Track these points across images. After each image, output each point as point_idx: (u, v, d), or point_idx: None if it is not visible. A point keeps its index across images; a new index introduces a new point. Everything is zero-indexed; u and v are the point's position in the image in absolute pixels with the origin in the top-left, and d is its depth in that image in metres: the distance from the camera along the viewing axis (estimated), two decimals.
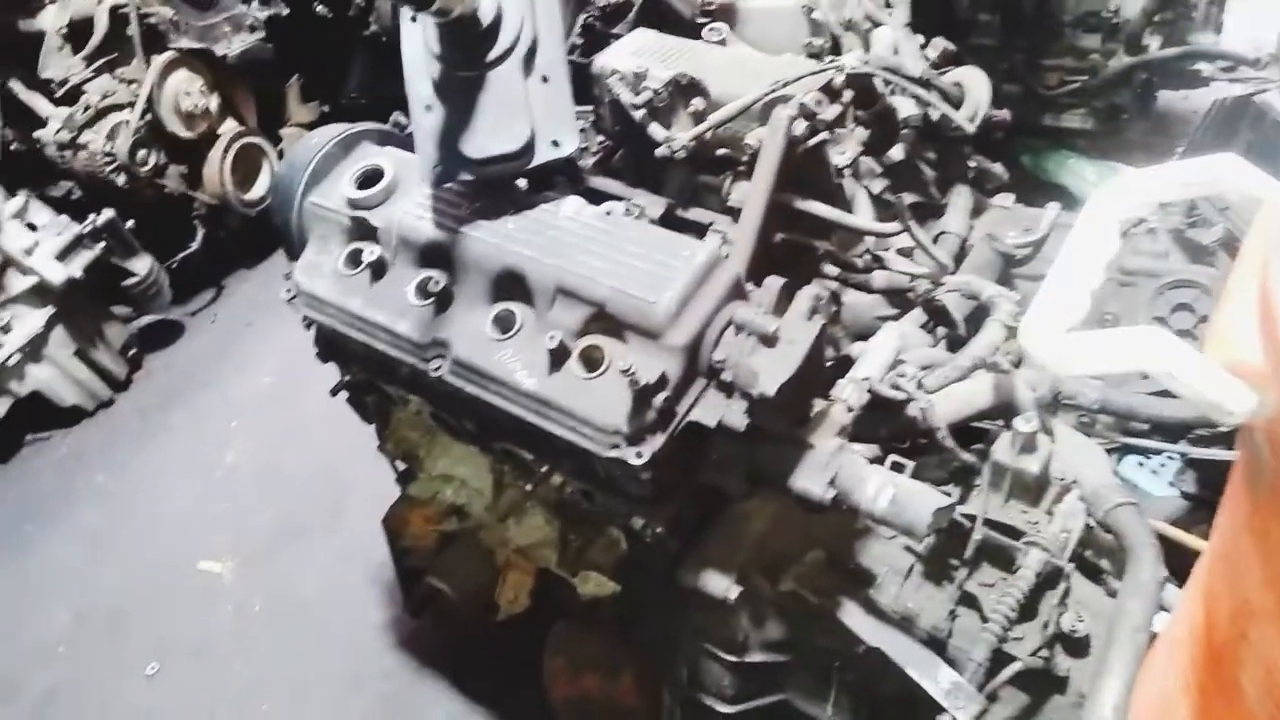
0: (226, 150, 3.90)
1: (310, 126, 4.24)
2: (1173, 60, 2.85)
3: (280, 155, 4.12)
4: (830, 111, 1.70)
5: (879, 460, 1.73)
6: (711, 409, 1.49)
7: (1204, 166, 0.91)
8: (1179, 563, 1.82)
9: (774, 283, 1.53)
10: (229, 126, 3.97)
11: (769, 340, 1.45)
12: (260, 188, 4.07)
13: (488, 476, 2.01)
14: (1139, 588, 1.68)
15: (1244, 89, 2.69)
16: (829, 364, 1.66)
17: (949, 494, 1.80)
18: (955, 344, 2.08)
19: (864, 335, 2.04)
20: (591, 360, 1.51)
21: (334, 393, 2.02)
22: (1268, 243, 0.74)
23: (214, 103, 3.87)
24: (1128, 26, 2.76)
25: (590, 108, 1.94)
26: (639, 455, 1.44)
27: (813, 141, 1.68)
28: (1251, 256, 0.80)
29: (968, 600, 1.69)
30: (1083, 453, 1.93)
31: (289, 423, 3.36)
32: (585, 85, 1.88)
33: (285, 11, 3.96)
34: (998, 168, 2.45)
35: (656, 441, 1.45)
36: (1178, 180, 0.92)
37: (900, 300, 2.16)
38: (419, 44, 1.66)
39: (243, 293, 4.15)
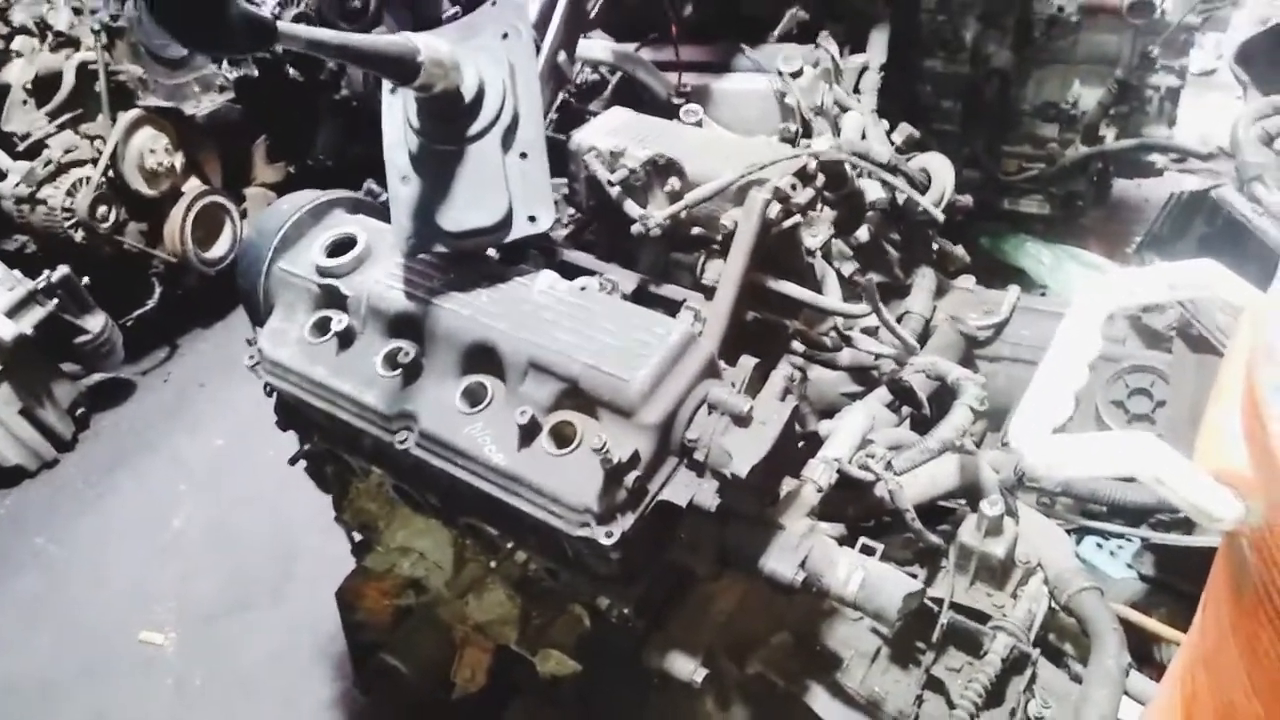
0: (189, 209, 3.86)
1: (275, 187, 4.23)
2: (1127, 151, 2.94)
3: (244, 215, 4.09)
4: (803, 195, 1.72)
5: (846, 540, 1.72)
6: (683, 488, 1.47)
7: (1187, 270, 0.93)
8: (1138, 645, 1.83)
9: (748, 362, 1.53)
10: (192, 185, 3.95)
11: (742, 420, 1.45)
12: (221, 247, 4.03)
13: (449, 550, 1.97)
14: (1105, 675, 1.68)
15: (1196, 180, 2.79)
16: (799, 443, 1.65)
17: (915, 575, 1.81)
18: (919, 423, 2.10)
19: (830, 411, 2.05)
20: (563, 437, 1.49)
21: (293, 461, 1.97)
22: (1252, 352, 0.75)
23: (178, 161, 3.84)
24: (1085, 118, 2.86)
25: (564, 180, 1.95)
26: (609, 535, 1.42)
27: (786, 224, 1.70)
28: (1237, 365, 0.81)
29: (934, 685, 1.68)
30: (1046, 535, 1.95)
31: (240, 488, 3.29)
32: (559, 158, 1.89)
33: (256, 73, 3.97)
34: (959, 250, 2.50)
35: (627, 521, 1.43)
36: (1162, 283, 0.94)
37: (865, 377, 2.18)
38: (398, 116, 1.66)
39: (197, 352, 4.08)
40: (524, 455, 1.49)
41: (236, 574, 3.00)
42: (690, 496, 1.46)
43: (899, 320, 2.28)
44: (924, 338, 2.34)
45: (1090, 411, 2.26)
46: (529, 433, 1.48)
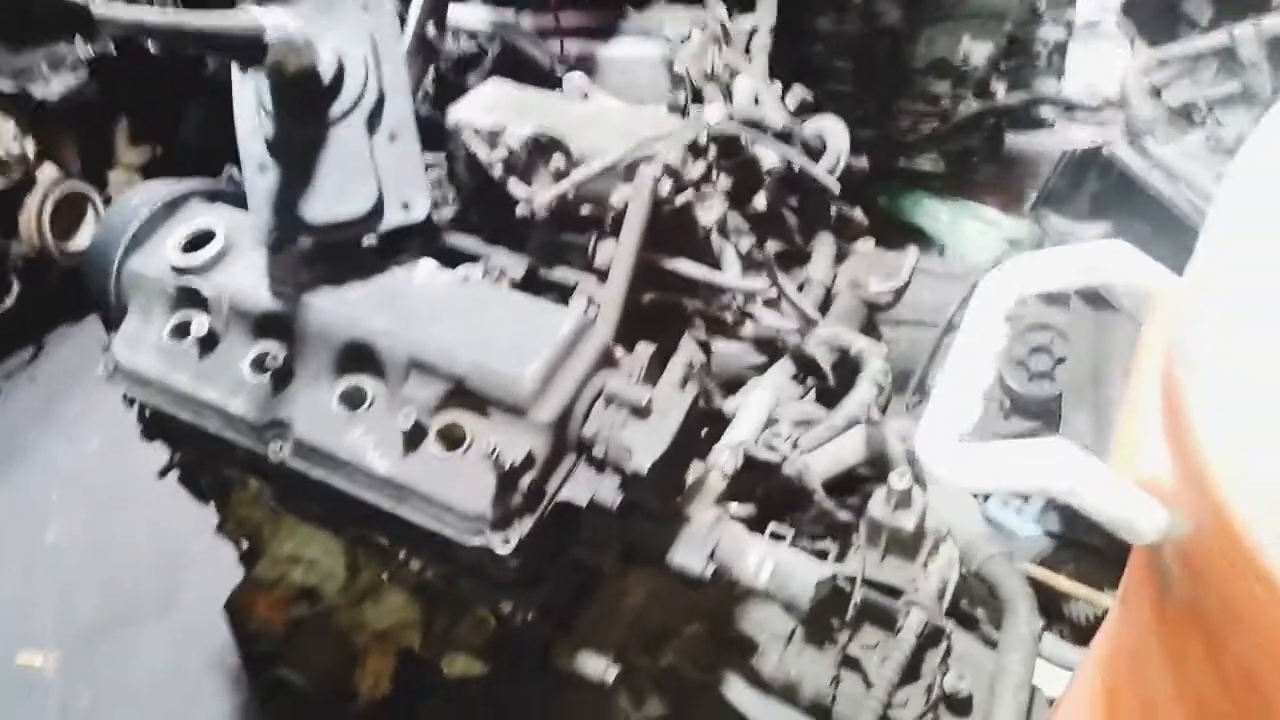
0: (45, 198, 3.58)
1: (142, 170, 3.95)
2: (1018, 105, 2.94)
3: (108, 201, 3.82)
4: (695, 169, 1.64)
5: (756, 519, 1.68)
6: (583, 487, 1.39)
7: (1097, 254, 0.87)
8: (1048, 603, 1.83)
9: (644, 350, 1.45)
10: (48, 173, 3.66)
11: (641, 412, 1.37)
12: (85, 237, 3.75)
13: (341, 557, 1.86)
14: (1018, 642, 1.67)
15: (1087, 132, 2.80)
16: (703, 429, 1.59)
17: (827, 553, 1.78)
18: (824, 393, 2.06)
19: (734, 384, 1.99)
20: (451, 439, 1.39)
21: (163, 474, 1.83)
22: (1170, 349, 0.70)
23: (30, 147, 3.55)
24: (976, 73, 2.84)
25: (442, 154, 1.83)
26: (505, 542, 1.33)
27: (679, 201, 1.62)
28: (1152, 361, 0.76)
29: (851, 663, 1.65)
30: (954, 502, 1.93)
31: (119, 494, 3.07)
32: (435, 138, 1.77)
33: (113, 49, 3.68)
34: (858, 213, 2.46)
35: (524, 525, 1.35)
36: (1071, 268, 0.88)
37: (768, 348, 2.13)
38: (250, 99, 1.52)
39: (66, 350, 3.80)
40: (410, 461, 1.39)
41: (119, 586, 2.81)
42: (591, 495, 1.38)
43: (800, 289, 2.23)
44: (825, 305, 2.29)
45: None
46: (414, 437, 1.38)
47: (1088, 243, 0.88)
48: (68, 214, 3.71)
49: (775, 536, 1.51)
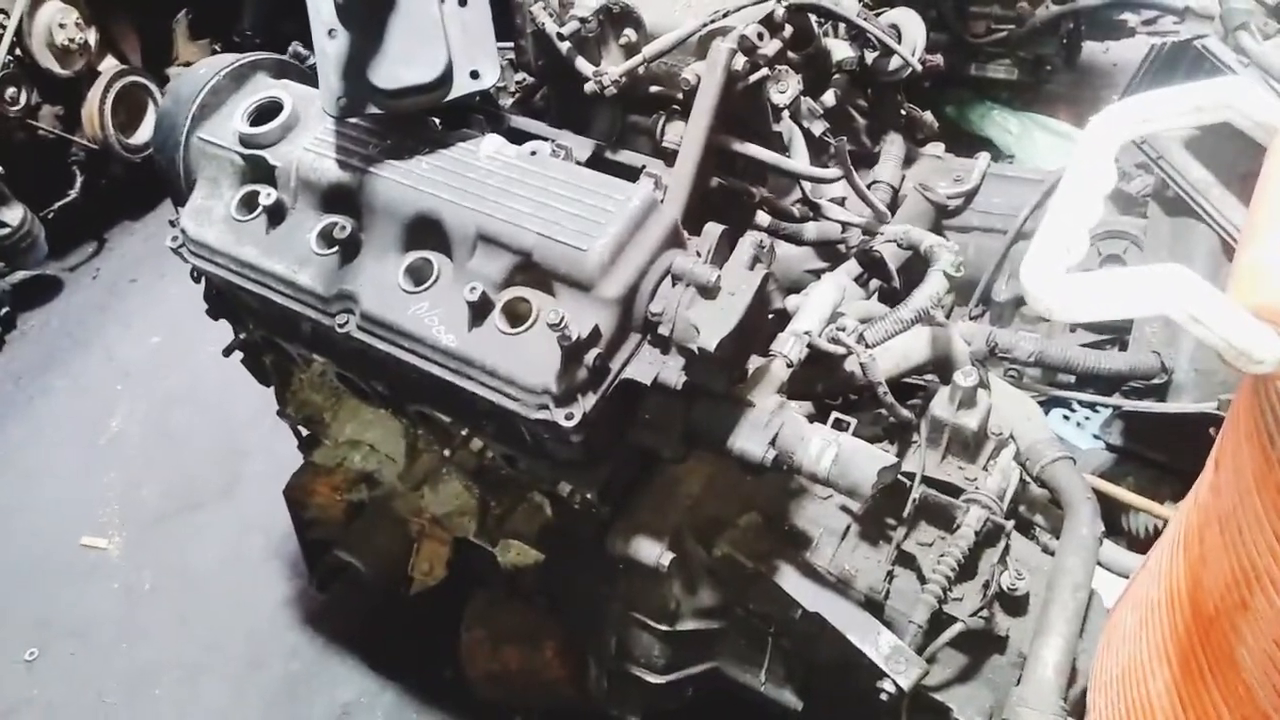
0: (107, 90, 3.59)
1: None
2: (1100, 9, 2.82)
3: None
4: (771, 46, 1.59)
5: (815, 417, 1.66)
6: (647, 366, 1.38)
7: (1212, 90, 0.83)
8: (1106, 514, 1.81)
9: (714, 229, 1.42)
10: (109, 64, 3.66)
11: (709, 291, 1.35)
12: (145, 132, 3.77)
13: (400, 441, 1.87)
14: (1079, 544, 1.65)
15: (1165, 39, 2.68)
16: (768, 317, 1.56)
17: (887, 450, 1.75)
18: (887, 296, 2.02)
19: (795, 288, 1.96)
20: (517, 314, 1.38)
21: (227, 353, 1.85)
22: None
23: (92, 37, 3.56)
24: None
25: (509, 43, 1.79)
26: (569, 417, 1.33)
27: (753, 78, 1.57)
28: (1274, 192, 0.72)
29: (905, 560, 1.64)
30: (1017, 406, 1.89)
31: (180, 385, 3.14)
32: (504, 16, 1.73)
33: None
34: (928, 116, 2.39)
35: (588, 402, 1.34)
36: (1186, 105, 0.84)
37: (830, 253, 2.08)
38: None
39: (127, 246, 3.86)
40: (475, 335, 1.38)
41: (181, 475, 2.88)
42: (655, 374, 1.37)
43: (868, 188, 2.17)
44: (892, 207, 2.23)
45: None
46: (480, 311, 1.38)
47: (1208, 81, 0.83)
48: (128, 108, 3.73)
49: (839, 425, 1.49)
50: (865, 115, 2.27)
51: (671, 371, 1.37)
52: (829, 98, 2.07)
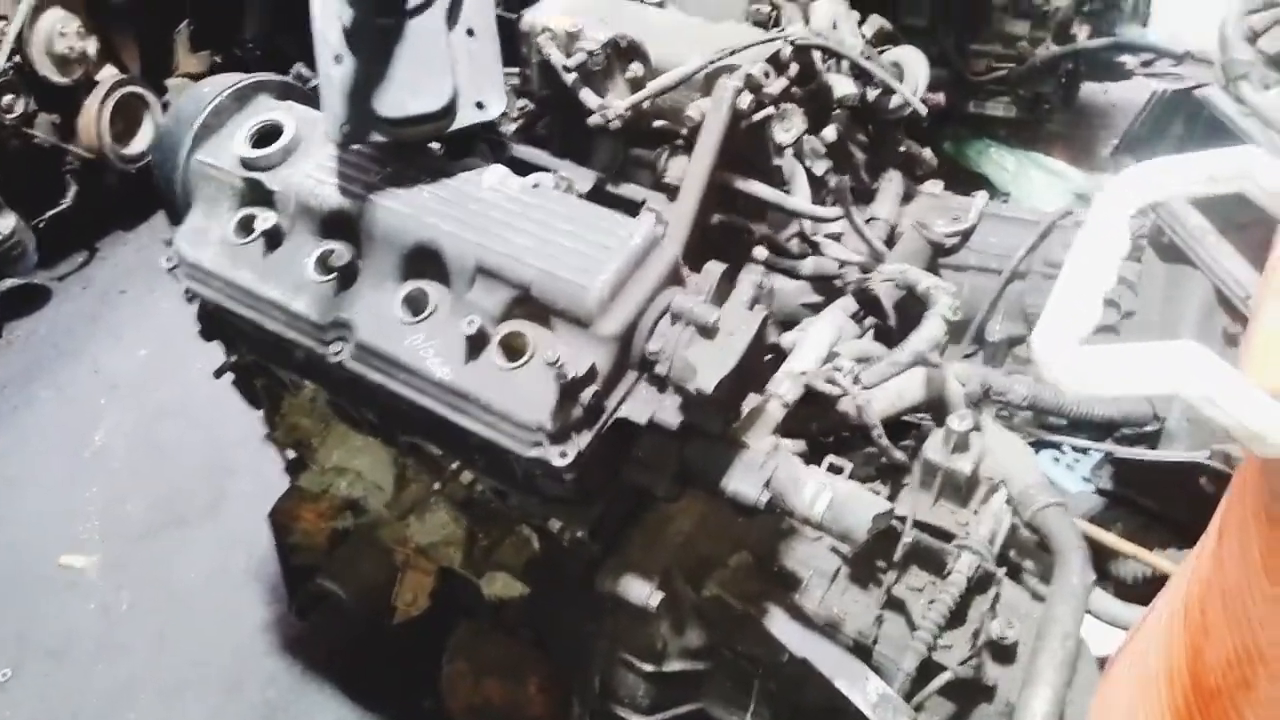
0: (105, 99, 3.58)
1: (199, 78, 3.92)
2: (1100, 51, 2.84)
3: (165, 108, 3.81)
4: (776, 85, 1.59)
5: (809, 456, 1.65)
6: (643, 405, 1.37)
7: (1228, 159, 0.82)
8: (1094, 561, 1.81)
9: (715, 268, 1.41)
10: (108, 73, 3.65)
11: (708, 331, 1.34)
12: (141, 142, 3.75)
13: (388, 470, 1.86)
14: (1069, 593, 1.64)
15: (1167, 84, 2.70)
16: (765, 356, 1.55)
17: (878, 493, 1.74)
18: (882, 334, 2.02)
19: (790, 322, 1.95)
20: (513, 348, 1.37)
21: (218, 374, 1.83)
22: None
23: (92, 46, 3.54)
24: (1058, 15, 2.74)
25: (515, 70, 1.79)
26: (563, 455, 1.31)
27: (757, 116, 1.57)
28: None
29: (895, 605, 1.63)
30: (1010, 449, 1.89)
31: (166, 400, 3.10)
32: (510, 44, 1.73)
33: None
34: (927, 153, 2.39)
35: (582, 440, 1.33)
36: (1201, 172, 0.83)
37: (827, 287, 2.08)
38: None
39: (118, 256, 3.83)
40: (471, 369, 1.37)
41: (165, 492, 2.84)
42: (651, 414, 1.36)
43: (866, 224, 2.18)
44: (890, 243, 2.23)
45: None
46: (476, 344, 1.37)
47: (1223, 149, 0.83)
48: (125, 118, 3.71)
49: (833, 469, 1.48)
50: (865, 151, 2.27)
51: (668, 411, 1.36)
52: (830, 133, 2.07)
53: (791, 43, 1.62)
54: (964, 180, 2.95)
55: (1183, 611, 0.89)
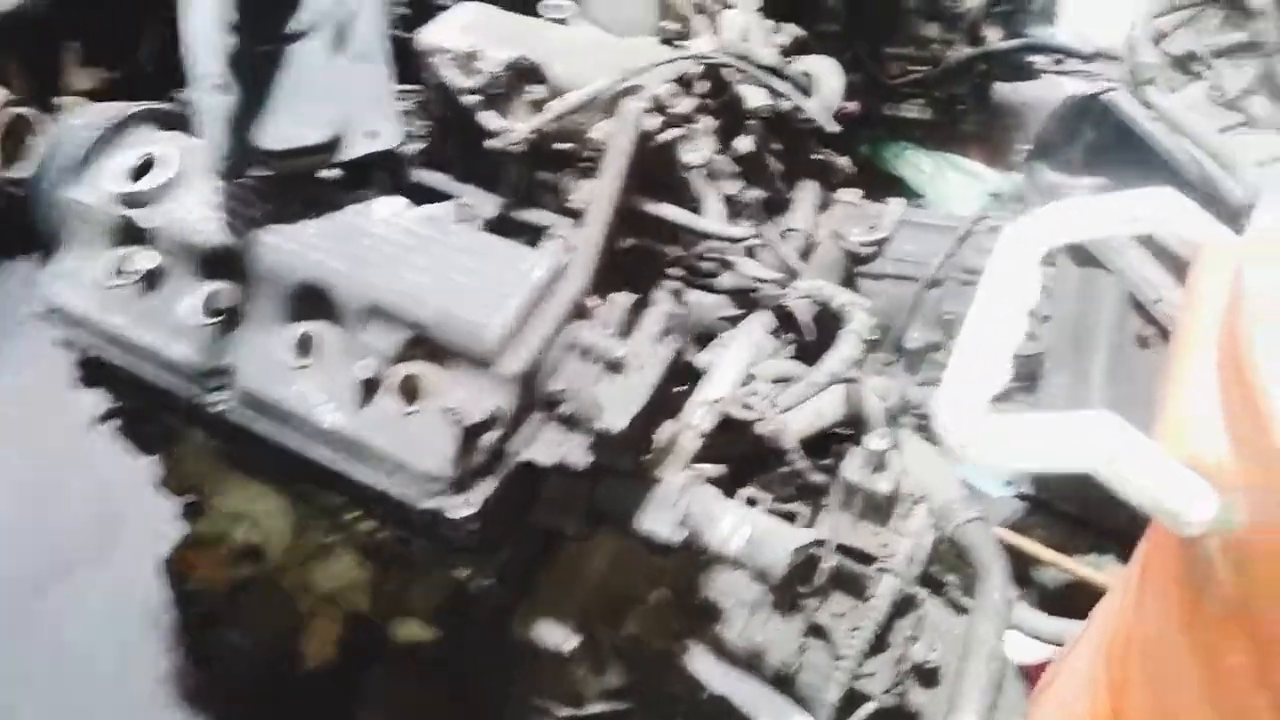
0: None
1: (95, 95, 3.74)
2: (1011, 51, 2.85)
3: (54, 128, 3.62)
4: (684, 104, 1.53)
5: (727, 478, 1.62)
6: (550, 446, 1.30)
7: (1144, 202, 0.79)
8: (1015, 567, 1.80)
9: (622, 299, 1.36)
10: None
11: (616, 367, 1.29)
12: (31, 165, 3.56)
13: (287, 516, 1.76)
14: (991, 611, 1.62)
15: (1076, 83, 2.73)
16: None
17: (796, 515, 1.72)
18: (802, 349, 1.98)
19: (707, 336, 1.91)
20: (410, 391, 1.30)
21: (102, 421, 1.72)
22: (1234, 308, 0.61)
23: None
24: (968, 17, 2.74)
25: (415, 87, 1.71)
26: (465, 505, 1.25)
27: (664, 138, 1.51)
28: (1203, 325, 0.68)
29: (818, 631, 1.60)
30: (930, 463, 1.87)
31: (54, 436, 2.92)
32: (407, 62, 1.65)
33: None
34: (843, 161, 2.36)
35: (485, 488, 1.26)
36: (1107, 215, 0.80)
37: (745, 299, 2.04)
38: (205, 7, 1.38)
39: (8, 287, 3.61)
40: (364, 415, 1.30)
41: (53, 538, 2.64)
42: (558, 456, 1.30)
43: (781, 236, 2.14)
44: (807, 253, 2.20)
45: None
46: (370, 389, 1.29)
47: (1134, 190, 0.79)
48: (13, 140, 3.51)
49: (750, 502, 1.44)
50: (780, 160, 2.24)
51: (576, 452, 1.30)
52: (744, 143, 2.03)
53: (698, 62, 1.56)
54: (882, 184, 2.94)
55: (1104, 662, 0.86)
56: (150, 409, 1.61)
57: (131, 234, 1.47)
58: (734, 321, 1.98)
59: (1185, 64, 1.93)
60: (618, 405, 1.27)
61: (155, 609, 2.34)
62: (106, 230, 1.49)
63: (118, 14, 3.72)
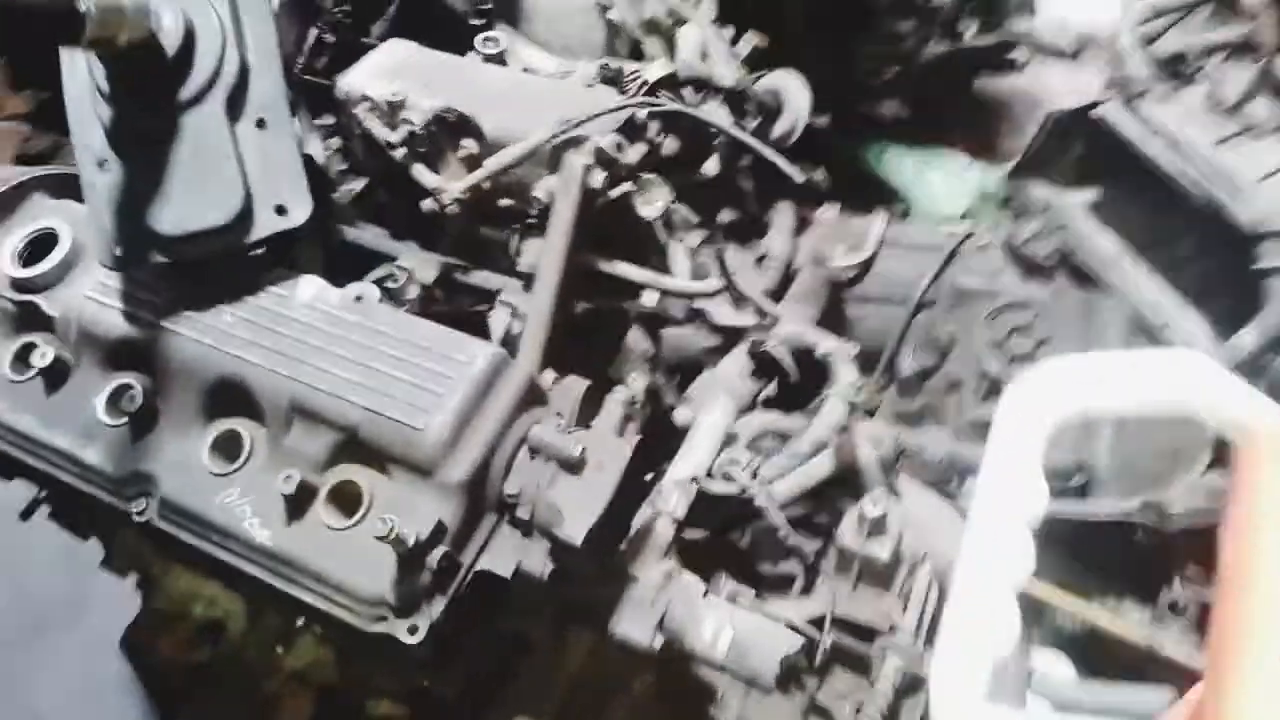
0: None
1: (26, 118, 3.56)
2: (989, 47, 2.69)
3: None
4: (633, 153, 1.38)
5: (710, 543, 1.49)
6: (506, 555, 1.16)
7: (1160, 365, 0.63)
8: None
9: (575, 386, 1.22)
10: None
11: (573, 466, 1.14)
12: None
13: (240, 602, 1.63)
14: None
15: (1060, 73, 2.58)
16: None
17: (792, 579, 1.58)
18: (785, 389, 1.84)
19: (691, 367, 1.77)
20: (345, 501, 1.15)
21: (24, 516, 1.58)
22: None
23: None
24: (942, 11, 2.58)
25: (338, 140, 1.55)
26: (413, 630, 1.11)
27: (614, 193, 1.36)
28: (1265, 533, 0.53)
29: (820, 712, 1.47)
30: (932, 516, 1.74)
31: (20, 492, 2.79)
32: (329, 110, 1.49)
33: None
34: (819, 175, 2.20)
35: (435, 608, 1.12)
36: (1134, 386, 0.65)
37: (725, 330, 1.90)
38: (82, 76, 1.23)
39: None
40: (295, 530, 1.15)
41: (20, 596, 2.55)
42: (516, 564, 1.16)
43: (758, 262, 2.00)
44: (787, 281, 2.05)
45: (970, 355, 2.04)
46: (299, 502, 1.15)
47: (1155, 349, 0.65)
48: None
49: (732, 598, 1.30)
50: (752, 179, 2.08)
51: (535, 559, 1.16)
52: (711, 166, 1.88)
53: (645, 110, 1.41)
54: (862, 185, 2.78)
55: None
56: (74, 504, 1.45)
57: (31, 321, 1.32)
58: (714, 351, 1.84)
59: (1175, 65, 1.78)
60: (577, 510, 1.13)
61: (126, 672, 2.22)
62: (4, 317, 1.34)
63: (48, 34, 3.53)
